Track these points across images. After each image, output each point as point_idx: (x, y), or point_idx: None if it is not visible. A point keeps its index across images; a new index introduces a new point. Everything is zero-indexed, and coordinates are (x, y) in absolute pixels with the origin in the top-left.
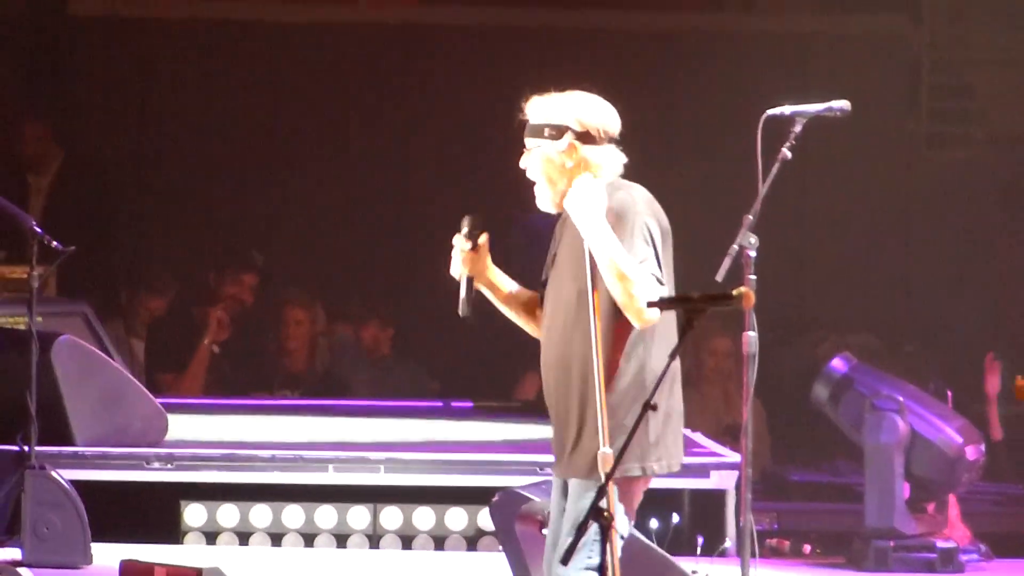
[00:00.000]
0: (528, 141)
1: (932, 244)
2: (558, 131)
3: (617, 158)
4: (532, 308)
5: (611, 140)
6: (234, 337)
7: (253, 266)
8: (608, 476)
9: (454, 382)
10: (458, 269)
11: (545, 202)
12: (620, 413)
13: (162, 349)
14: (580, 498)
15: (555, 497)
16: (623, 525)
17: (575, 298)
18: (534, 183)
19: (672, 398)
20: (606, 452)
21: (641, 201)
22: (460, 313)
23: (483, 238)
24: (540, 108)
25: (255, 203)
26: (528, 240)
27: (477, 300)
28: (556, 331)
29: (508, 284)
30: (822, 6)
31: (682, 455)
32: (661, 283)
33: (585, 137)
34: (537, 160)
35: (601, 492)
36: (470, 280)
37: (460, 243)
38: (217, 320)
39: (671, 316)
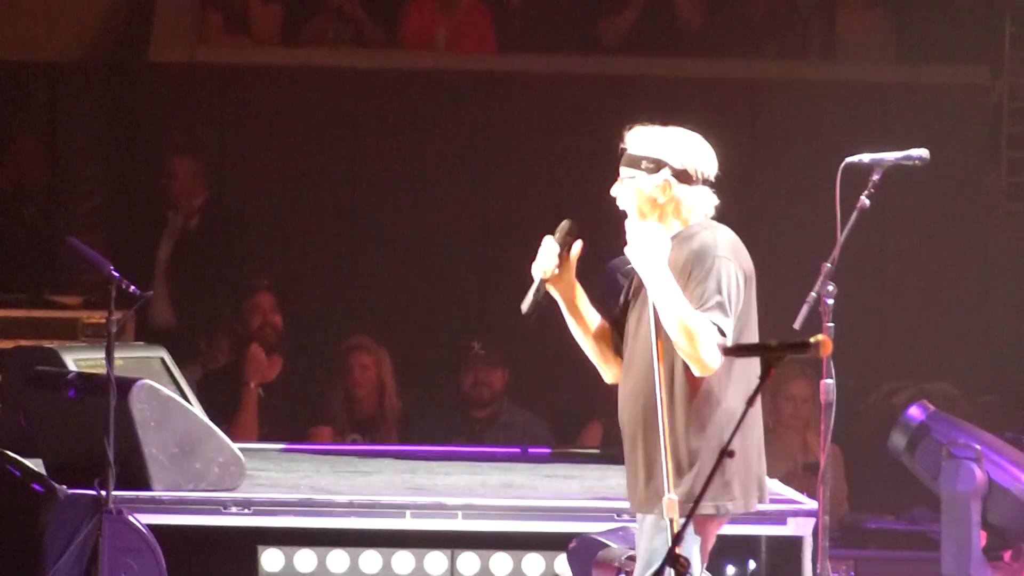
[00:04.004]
0: (623, 170)
1: (1011, 294)
2: (656, 165)
3: (709, 200)
4: (605, 339)
5: (706, 182)
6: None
7: (263, 287)
8: (688, 518)
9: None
10: (539, 268)
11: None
12: (701, 456)
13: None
14: (652, 537)
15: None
16: (696, 566)
17: (654, 335)
18: (624, 219)
19: (749, 439)
20: (671, 497)
21: (724, 243)
22: (523, 310)
23: (576, 247)
24: (641, 139)
25: (328, 250)
26: (607, 289)
27: (545, 306)
28: (636, 365)
29: (588, 307)
30: (903, 56)
31: (759, 496)
32: (723, 332)
33: (682, 175)
34: (630, 191)
35: (678, 537)
36: (543, 283)
37: (549, 243)
38: (255, 359)
39: (750, 359)
